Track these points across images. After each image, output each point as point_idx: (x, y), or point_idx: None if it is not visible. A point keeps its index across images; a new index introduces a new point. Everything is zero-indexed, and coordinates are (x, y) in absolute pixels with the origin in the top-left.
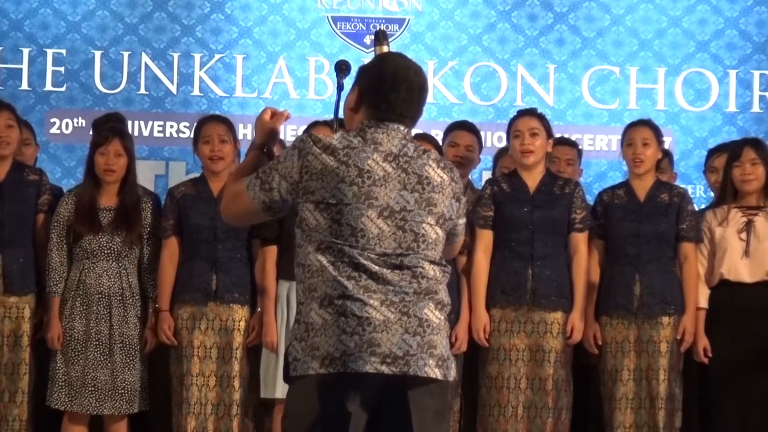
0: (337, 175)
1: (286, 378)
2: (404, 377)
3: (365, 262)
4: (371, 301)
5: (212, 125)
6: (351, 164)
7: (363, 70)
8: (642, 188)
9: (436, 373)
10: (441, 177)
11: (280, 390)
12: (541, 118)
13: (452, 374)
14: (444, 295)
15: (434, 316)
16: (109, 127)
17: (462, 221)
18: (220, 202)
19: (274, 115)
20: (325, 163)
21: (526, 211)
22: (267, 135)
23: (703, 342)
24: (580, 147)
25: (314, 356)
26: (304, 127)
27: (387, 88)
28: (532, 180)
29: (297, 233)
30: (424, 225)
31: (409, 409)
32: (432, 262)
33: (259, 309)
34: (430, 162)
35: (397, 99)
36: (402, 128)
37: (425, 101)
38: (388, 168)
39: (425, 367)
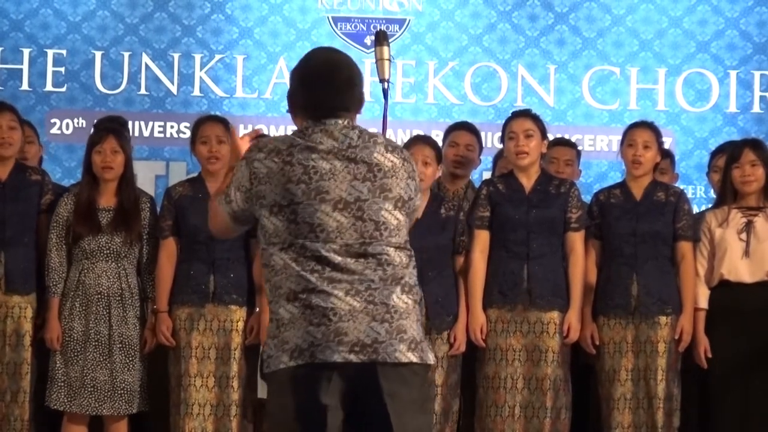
0: (284, 176)
1: (263, 375)
2: (375, 366)
3: (327, 254)
4: (336, 292)
5: (210, 125)
6: (295, 163)
7: (291, 74)
8: (638, 188)
9: (409, 357)
10: (392, 161)
11: None
12: (536, 119)
13: (430, 357)
14: (410, 278)
15: (401, 301)
16: (104, 127)
17: (419, 196)
18: None
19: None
20: (269, 167)
21: (522, 211)
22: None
23: (704, 342)
24: (578, 148)
25: (284, 350)
26: None
27: (311, 87)
28: (528, 180)
29: (259, 238)
30: (382, 212)
31: (384, 402)
32: (397, 248)
33: (257, 309)
34: (378, 147)
35: (326, 96)
36: (340, 121)
37: (360, 90)
38: (333, 161)
39: (395, 353)
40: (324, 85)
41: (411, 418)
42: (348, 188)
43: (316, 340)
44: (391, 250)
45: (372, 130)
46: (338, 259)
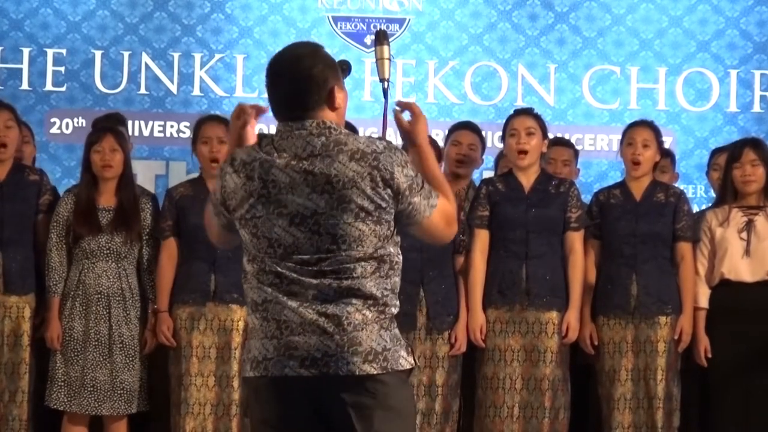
0: (245, 191)
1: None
2: (331, 379)
3: (283, 270)
4: (290, 304)
5: (211, 126)
6: (256, 177)
7: None
8: (638, 188)
9: (365, 369)
10: (354, 170)
11: None
12: (537, 117)
13: (401, 363)
14: (375, 289)
15: (358, 312)
16: (102, 126)
17: (415, 200)
18: None
19: (242, 113)
20: (235, 182)
21: (521, 210)
22: (236, 140)
23: (704, 342)
24: (576, 148)
25: (248, 358)
26: None
27: (271, 89)
28: (527, 179)
29: None
30: (341, 225)
31: (349, 414)
32: (359, 260)
33: None
34: (341, 156)
35: (282, 97)
36: (308, 123)
37: (328, 85)
38: (292, 173)
39: (348, 366)
40: (281, 86)
41: (385, 427)
42: (304, 202)
43: (269, 353)
44: (352, 263)
45: (370, 129)
46: (293, 275)
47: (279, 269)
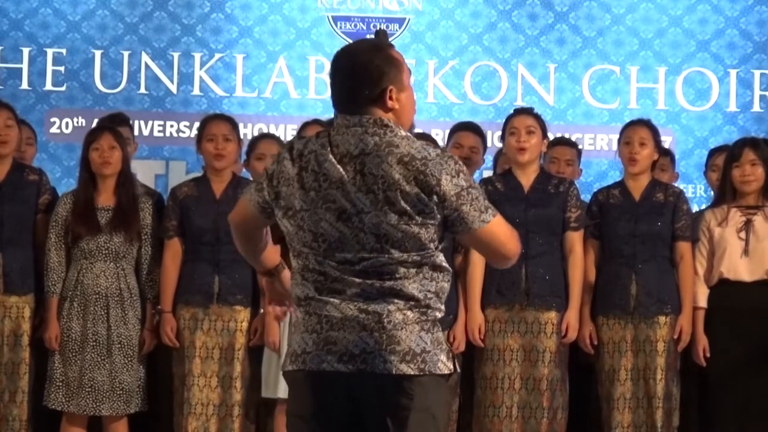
0: (298, 182)
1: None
2: (368, 376)
3: (327, 268)
4: (332, 300)
5: (217, 124)
6: (309, 169)
7: None
8: (637, 188)
9: (401, 369)
10: (399, 173)
11: (282, 389)
12: (538, 117)
13: (439, 367)
14: (417, 291)
15: (400, 312)
16: (101, 125)
17: (464, 208)
18: (222, 204)
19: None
20: (290, 171)
21: (521, 210)
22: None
23: (703, 342)
24: (579, 147)
25: (288, 353)
26: None
27: (330, 79)
28: (527, 179)
29: None
30: (383, 226)
31: (383, 413)
32: (403, 262)
33: (261, 310)
34: (390, 158)
35: (337, 89)
36: (365, 119)
37: (382, 82)
38: (342, 171)
39: (385, 364)
40: (338, 79)
41: (419, 430)
42: (353, 199)
43: (308, 347)
44: (394, 264)
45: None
46: (336, 274)
47: (322, 267)
